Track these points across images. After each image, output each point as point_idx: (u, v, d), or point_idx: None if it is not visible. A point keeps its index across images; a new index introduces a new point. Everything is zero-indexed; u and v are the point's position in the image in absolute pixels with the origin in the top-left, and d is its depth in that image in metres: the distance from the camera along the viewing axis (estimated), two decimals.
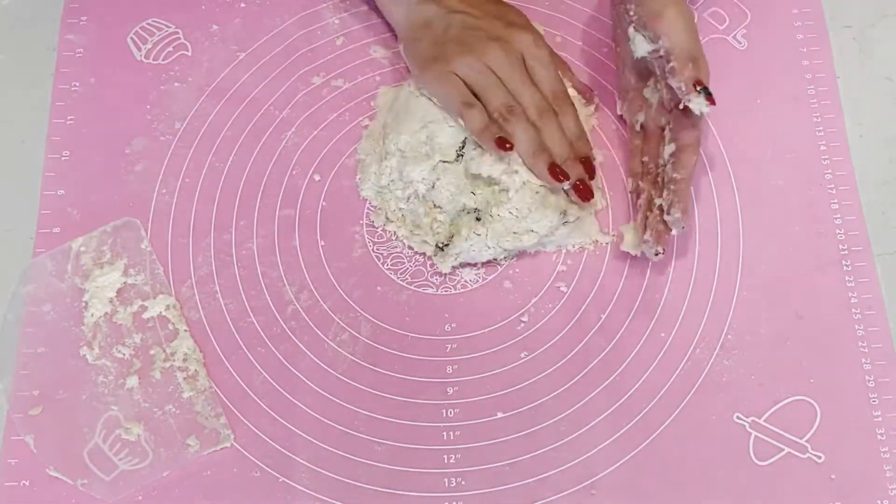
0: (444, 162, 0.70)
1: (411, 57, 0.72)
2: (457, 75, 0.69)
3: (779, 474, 0.64)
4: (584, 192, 0.68)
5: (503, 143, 0.67)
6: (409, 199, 0.71)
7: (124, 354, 0.67)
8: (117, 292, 0.69)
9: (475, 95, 0.69)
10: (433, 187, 0.70)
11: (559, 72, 0.71)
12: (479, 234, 0.68)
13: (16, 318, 0.69)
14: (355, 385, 0.67)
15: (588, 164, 0.68)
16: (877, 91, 0.76)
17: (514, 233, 0.68)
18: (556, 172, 0.67)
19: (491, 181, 0.68)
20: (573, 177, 0.68)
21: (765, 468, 0.64)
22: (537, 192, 0.68)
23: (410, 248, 0.71)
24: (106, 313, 0.68)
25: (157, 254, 0.71)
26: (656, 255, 0.67)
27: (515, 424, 0.66)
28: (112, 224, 0.71)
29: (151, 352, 0.67)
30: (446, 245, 0.70)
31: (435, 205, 0.70)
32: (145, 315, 0.68)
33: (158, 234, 0.71)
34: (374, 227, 0.72)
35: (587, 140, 0.70)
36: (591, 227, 0.71)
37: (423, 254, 0.71)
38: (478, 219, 0.69)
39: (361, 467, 0.65)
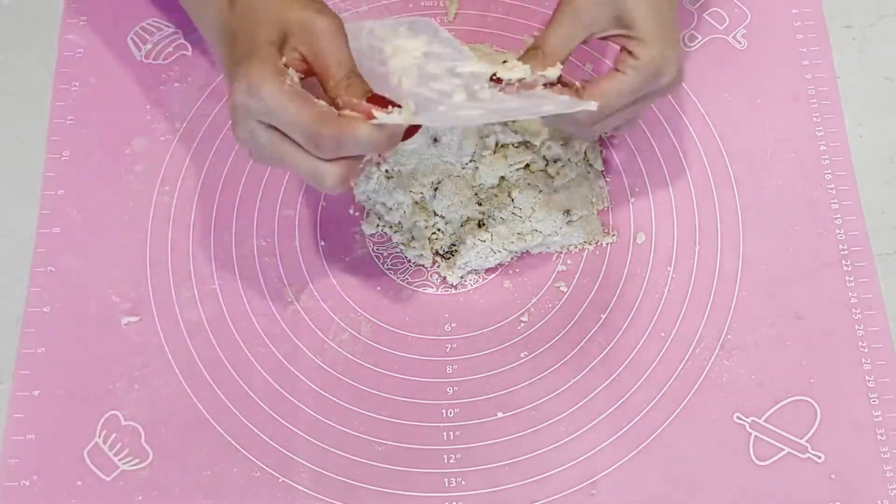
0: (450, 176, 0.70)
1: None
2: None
3: (779, 474, 0.64)
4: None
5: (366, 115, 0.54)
6: (403, 212, 0.70)
7: None
8: None
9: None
10: (434, 196, 0.70)
11: None
12: (484, 241, 0.68)
13: (16, 318, 0.69)
14: (355, 385, 0.67)
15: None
16: (877, 91, 0.76)
17: (519, 234, 0.68)
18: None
19: (500, 180, 0.68)
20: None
21: (765, 468, 0.64)
22: (540, 192, 0.68)
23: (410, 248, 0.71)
24: None
25: (158, 254, 0.71)
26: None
27: (515, 424, 0.66)
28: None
29: None
30: (447, 253, 0.70)
31: (436, 213, 0.70)
32: None
33: (158, 234, 0.71)
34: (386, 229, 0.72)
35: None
36: (594, 226, 0.71)
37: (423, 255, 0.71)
38: (480, 224, 0.69)
39: (361, 467, 0.65)
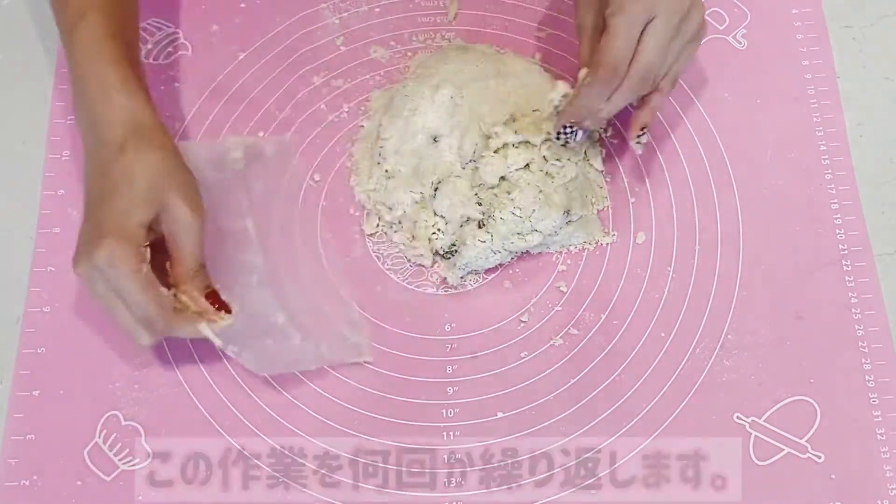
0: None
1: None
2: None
3: (779, 474, 0.64)
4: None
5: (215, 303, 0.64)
6: (403, 211, 0.71)
7: None
8: None
9: None
10: (434, 196, 0.70)
11: None
12: (484, 241, 0.68)
13: (16, 318, 0.69)
14: (355, 385, 0.67)
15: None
16: (877, 91, 0.76)
17: (519, 234, 0.68)
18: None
19: (500, 180, 0.68)
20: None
21: (765, 468, 0.64)
22: (540, 191, 0.68)
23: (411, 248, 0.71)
24: None
25: None
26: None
27: (515, 424, 0.66)
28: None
29: None
30: (448, 253, 0.69)
31: (436, 213, 0.70)
32: None
33: None
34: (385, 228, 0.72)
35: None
36: (594, 225, 0.71)
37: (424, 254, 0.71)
38: (480, 225, 0.69)
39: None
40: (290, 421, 0.66)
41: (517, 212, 0.68)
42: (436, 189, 0.69)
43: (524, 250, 0.70)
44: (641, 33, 0.62)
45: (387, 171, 0.70)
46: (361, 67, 0.77)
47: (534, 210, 0.68)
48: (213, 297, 0.64)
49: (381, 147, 0.71)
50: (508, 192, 0.68)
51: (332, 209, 0.72)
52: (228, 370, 0.67)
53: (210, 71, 0.77)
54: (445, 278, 0.70)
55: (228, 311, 0.64)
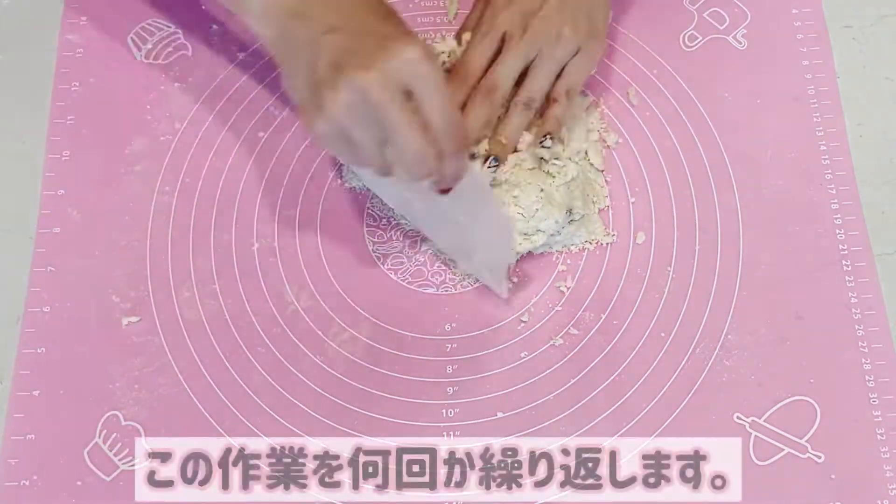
0: None
1: (294, 99, 0.62)
2: (340, 126, 0.59)
3: (779, 474, 0.64)
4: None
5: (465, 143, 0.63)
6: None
7: None
8: None
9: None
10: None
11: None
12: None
13: (16, 318, 0.69)
14: (355, 385, 0.67)
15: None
16: (877, 91, 0.76)
17: (524, 234, 0.68)
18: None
19: (502, 183, 0.68)
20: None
21: (765, 468, 0.64)
22: (542, 190, 0.68)
23: (411, 248, 0.71)
24: None
25: (158, 253, 0.71)
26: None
27: (515, 424, 0.66)
28: None
29: None
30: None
31: None
32: None
33: (158, 234, 0.71)
34: (374, 227, 0.72)
35: (452, 132, 0.60)
36: (596, 224, 0.71)
37: (424, 253, 0.71)
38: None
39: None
40: (290, 421, 0.66)
41: (521, 212, 0.67)
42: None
43: (528, 251, 0.70)
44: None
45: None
46: None
47: (536, 210, 0.68)
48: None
49: None
50: (510, 192, 0.68)
51: (332, 209, 0.72)
52: (228, 370, 0.67)
53: (210, 71, 0.77)
54: (445, 275, 0.70)
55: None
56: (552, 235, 0.69)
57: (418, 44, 0.58)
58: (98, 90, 0.76)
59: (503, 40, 0.69)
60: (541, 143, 0.68)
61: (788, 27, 0.78)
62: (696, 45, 0.77)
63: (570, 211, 0.69)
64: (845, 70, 0.76)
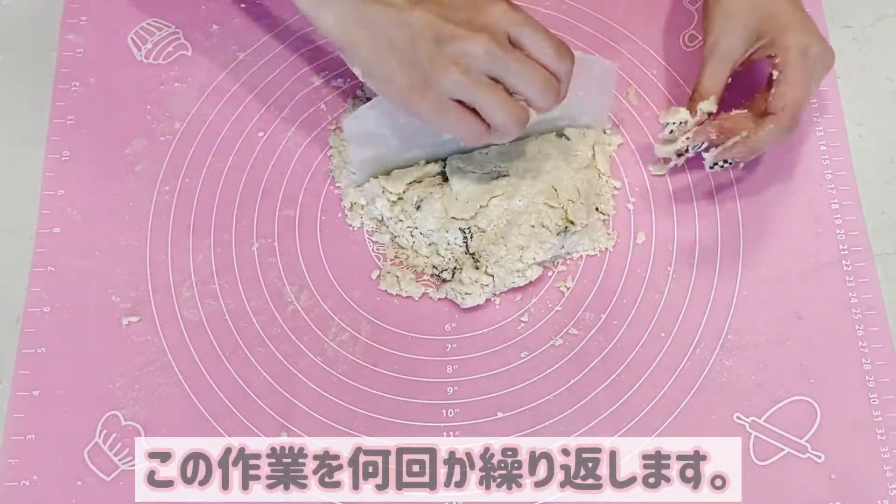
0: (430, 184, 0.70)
1: (380, 83, 0.61)
2: (455, 101, 0.60)
3: (779, 474, 0.64)
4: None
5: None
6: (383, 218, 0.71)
7: None
8: None
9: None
10: (418, 208, 0.69)
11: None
12: (486, 285, 0.68)
13: (16, 318, 0.69)
14: (355, 385, 0.67)
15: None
16: (877, 91, 0.76)
17: (518, 271, 0.68)
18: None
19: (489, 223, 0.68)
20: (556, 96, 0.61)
21: (765, 468, 0.64)
22: (532, 226, 0.67)
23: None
24: None
25: (158, 254, 0.71)
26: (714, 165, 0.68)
27: (515, 424, 0.66)
28: None
29: None
30: (443, 275, 0.69)
31: (421, 232, 0.70)
32: None
33: (158, 234, 0.71)
34: (374, 226, 0.72)
35: (563, 53, 0.61)
36: (599, 232, 0.71)
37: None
38: (476, 266, 0.68)
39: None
40: (290, 421, 0.66)
41: (511, 250, 0.67)
42: (418, 207, 0.69)
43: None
44: None
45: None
46: None
47: (528, 244, 0.67)
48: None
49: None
50: (500, 234, 0.68)
51: (333, 209, 0.72)
52: (228, 370, 0.67)
53: (210, 71, 0.77)
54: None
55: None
56: (553, 258, 0.69)
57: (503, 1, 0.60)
58: (98, 90, 0.76)
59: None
60: (723, 163, 0.68)
61: None
62: (696, 45, 0.77)
63: (566, 227, 0.68)
64: (845, 70, 0.76)
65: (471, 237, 0.68)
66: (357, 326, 0.69)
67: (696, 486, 0.63)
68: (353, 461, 0.64)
